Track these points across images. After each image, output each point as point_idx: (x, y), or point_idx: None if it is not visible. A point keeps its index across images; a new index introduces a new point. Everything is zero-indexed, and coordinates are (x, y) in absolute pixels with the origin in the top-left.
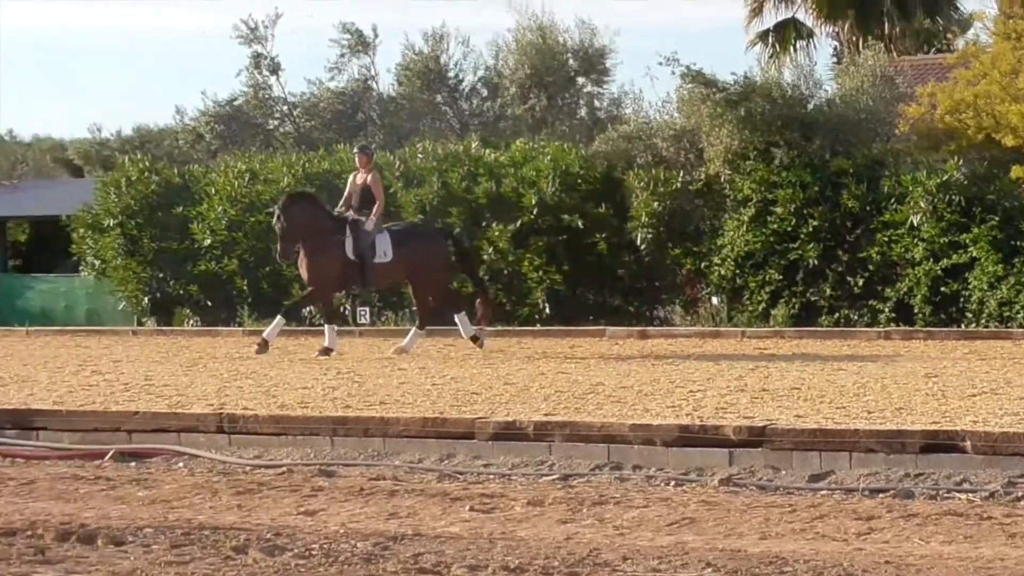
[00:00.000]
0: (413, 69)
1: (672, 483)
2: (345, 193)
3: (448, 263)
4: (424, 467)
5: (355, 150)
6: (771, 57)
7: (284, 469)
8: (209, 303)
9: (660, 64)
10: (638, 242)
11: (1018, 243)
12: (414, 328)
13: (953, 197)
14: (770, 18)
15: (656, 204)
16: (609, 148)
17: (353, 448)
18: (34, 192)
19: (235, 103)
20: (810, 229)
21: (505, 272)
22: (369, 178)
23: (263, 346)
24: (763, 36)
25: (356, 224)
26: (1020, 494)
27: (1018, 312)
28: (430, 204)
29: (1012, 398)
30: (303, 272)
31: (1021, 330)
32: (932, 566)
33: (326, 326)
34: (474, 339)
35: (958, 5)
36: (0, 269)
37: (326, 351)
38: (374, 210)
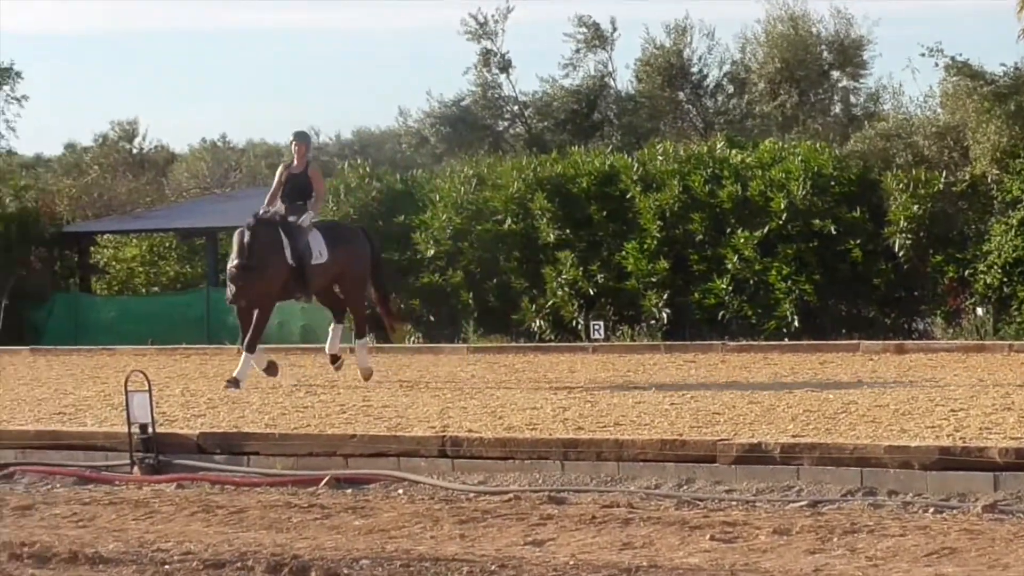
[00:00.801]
0: (654, 64)
1: (931, 510)
2: (273, 187)
3: (369, 266)
4: (661, 493)
5: (291, 138)
6: None
7: (510, 496)
8: (432, 318)
9: (922, 56)
10: (896, 248)
11: None
12: (357, 341)
13: None
14: None
15: (916, 207)
16: (865, 147)
17: (585, 473)
18: (247, 200)
19: (462, 103)
20: None
21: (750, 282)
22: (309, 170)
23: (234, 382)
24: None
25: (288, 224)
26: None
27: None
28: (670, 209)
29: None
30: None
31: None
32: None
33: (246, 355)
34: (335, 358)
35: None
36: (210, 283)
37: (235, 382)
38: (311, 205)
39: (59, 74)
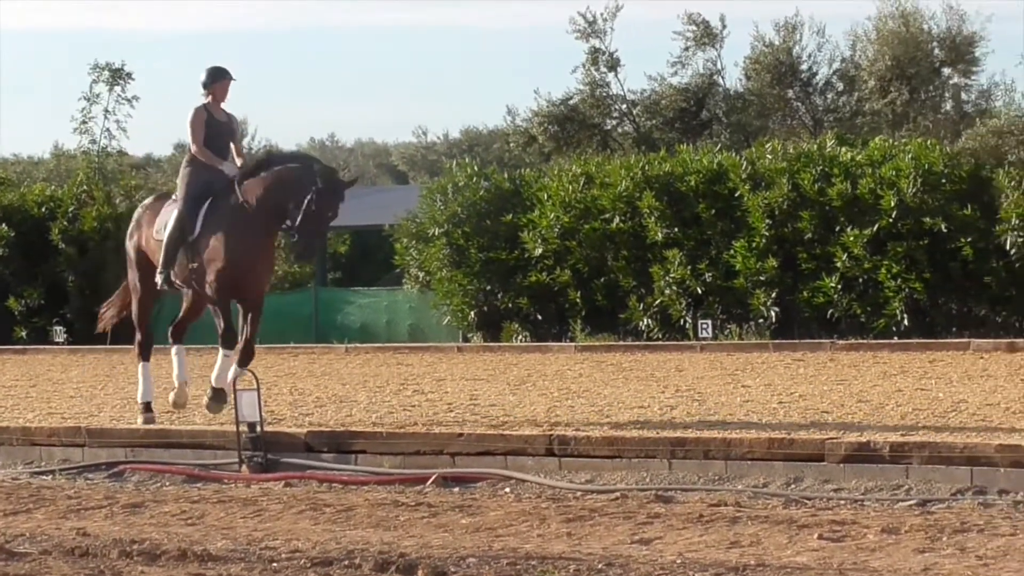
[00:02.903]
0: (763, 62)
1: None
2: (199, 133)
3: None
4: (769, 492)
5: (211, 76)
6: None
7: (618, 494)
8: (540, 317)
9: None
10: (1007, 246)
11: None
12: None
13: None
14: None
15: None
16: (977, 144)
17: (692, 472)
18: (355, 200)
19: (570, 102)
20: None
21: (860, 280)
22: (234, 120)
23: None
24: None
25: None
26: None
27: None
28: (779, 207)
29: None
30: (254, 275)
31: None
32: None
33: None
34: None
35: None
36: (319, 282)
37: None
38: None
39: (170, 74)
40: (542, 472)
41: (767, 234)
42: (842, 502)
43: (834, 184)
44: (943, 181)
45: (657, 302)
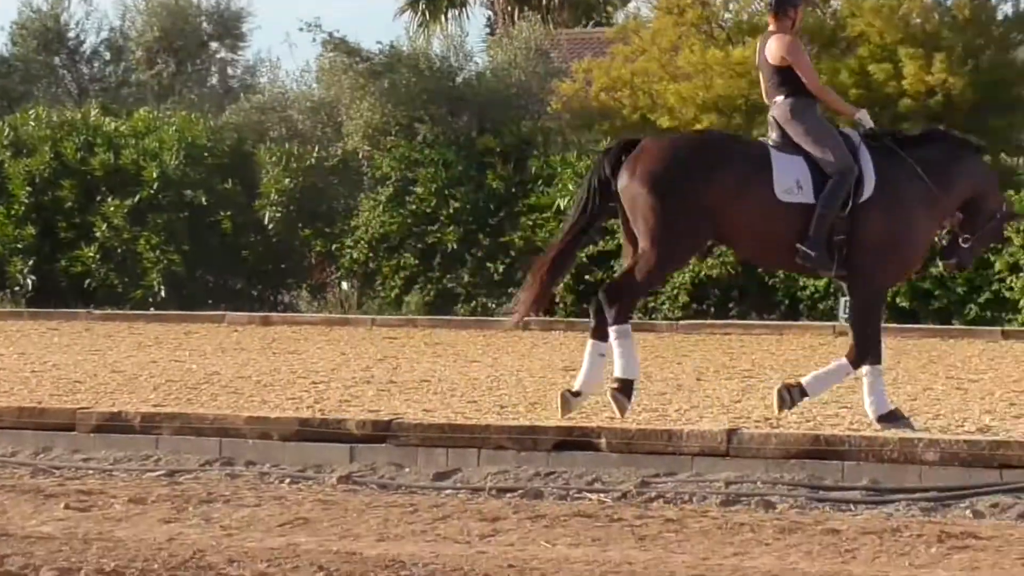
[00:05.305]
0: (30, 28)
1: (287, 480)
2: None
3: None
4: (17, 461)
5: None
6: (420, 26)
7: None
8: None
9: (300, 30)
10: (266, 221)
11: None
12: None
13: None
14: None
15: (287, 181)
16: (240, 119)
17: None
18: None
19: None
20: (451, 211)
21: (119, 251)
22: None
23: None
24: (413, 3)
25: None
26: (653, 494)
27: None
28: (41, 175)
29: (651, 393)
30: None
31: (666, 322)
32: (557, 570)
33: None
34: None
35: None
36: None
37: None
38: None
39: None
40: None
41: (27, 202)
42: (91, 472)
43: (97, 154)
44: (206, 155)
45: None
